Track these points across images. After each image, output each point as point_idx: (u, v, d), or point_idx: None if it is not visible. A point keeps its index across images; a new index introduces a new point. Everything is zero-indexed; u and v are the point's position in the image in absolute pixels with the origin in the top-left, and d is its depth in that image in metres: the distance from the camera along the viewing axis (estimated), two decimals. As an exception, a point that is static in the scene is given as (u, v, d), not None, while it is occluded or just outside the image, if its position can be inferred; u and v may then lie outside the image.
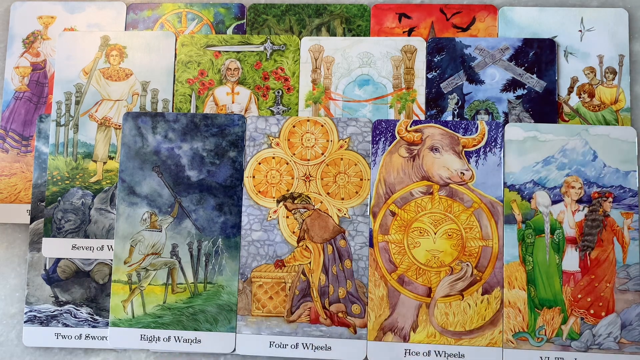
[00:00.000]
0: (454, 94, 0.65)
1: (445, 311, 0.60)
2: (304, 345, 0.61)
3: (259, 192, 0.63)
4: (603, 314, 0.60)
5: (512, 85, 0.64)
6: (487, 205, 0.61)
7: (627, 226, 0.61)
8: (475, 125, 0.63)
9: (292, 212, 0.63)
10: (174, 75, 0.66)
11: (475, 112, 0.64)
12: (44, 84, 0.68)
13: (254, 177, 0.63)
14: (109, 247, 0.63)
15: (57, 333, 0.62)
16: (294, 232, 0.62)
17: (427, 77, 0.65)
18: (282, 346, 0.61)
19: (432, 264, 0.61)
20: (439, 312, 0.60)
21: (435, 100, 0.64)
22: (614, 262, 0.60)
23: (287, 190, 0.63)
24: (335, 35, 0.66)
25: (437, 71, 0.65)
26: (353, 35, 0.66)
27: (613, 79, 0.64)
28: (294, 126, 0.64)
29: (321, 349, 0.60)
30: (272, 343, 0.61)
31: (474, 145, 0.62)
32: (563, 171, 0.62)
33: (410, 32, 0.66)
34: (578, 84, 0.64)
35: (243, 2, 0.68)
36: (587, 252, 0.61)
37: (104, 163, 0.65)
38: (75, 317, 0.63)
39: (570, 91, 0.64)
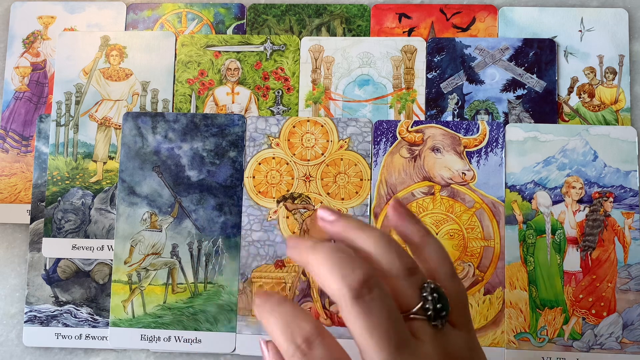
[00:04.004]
0: (454, 94, 0.65)
1: (446, 311, 0.60)
2: (305, 345, 0.60)
3: (259, 192, 0.63)
4: (605, 314, 0.59)
5: (512, 85, 0.64)
6: (488, 206, 0.61)
7: (628, 226, 0.60)
8: (477, 126, 0.63)
9: (292, 212, 0.63)
10: (174, 75, 0.66)
11: (475, 112, 0.64)
12: (44, 84, 0.68)
13: (254, 177, 0.63)
14: (109, 247, 0.63)
15: (57, 333, 0.62)
16: (294, 233, 0.62)
17: (427, 77, 0.65)
18: (282, 346, 0.60)
19: (433, 263, 0.61)
20: (440, 312, 0.60)
21: (435, 100, 0.64)
22: (615, 262, 0.60)
23: (287, 191, 0.63)
24: (335, 35, 0.66)
25: (437, 71, 0.65)
26: (353, 35, 0.66)
27: (613, 79, 0.64)
28: (294, 126, 0.64)
29: (322, 349, 0.60)
30: (272, 343, 0.60)
31: (475, 146, 0.62)
32: (564, 171, 0.62)
33: (410, 32, 0.66)
34: (578, 84, 0.64)
35: (243, 2, 0.68)
36: (588, 252, 0.60)
37: (104, 163, 0.65)
38: (76, 317, 0.62)
39: (570, 91, 0.64)
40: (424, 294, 0.36)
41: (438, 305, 0.35)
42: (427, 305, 0.35)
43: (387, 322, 0.33)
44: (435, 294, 0.36)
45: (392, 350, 0.32)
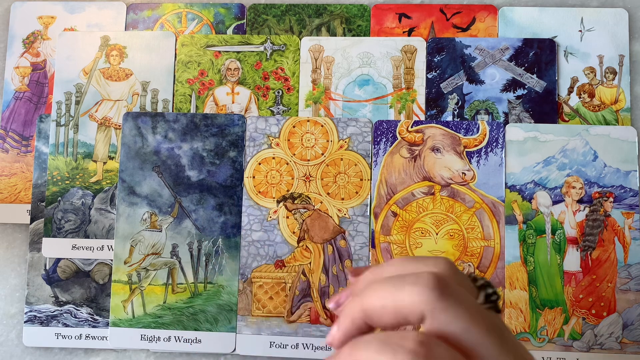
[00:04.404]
0: (454, 94, 0.65)
1: (446, 311, 0.60)
2: (304, 345, 0.60)
3: (259, 192, 0.63)
4: (605, 314, 0.59)
5: (512, 85, 0.64)
6: (488, 206, 0.61)
7: (628, 226, 0.60)
8: (477, 126, 0.63)
9: (292, 212, 0.63)
10: (174, 75, 0.66)
11: (476, 112, 0.64)
12: (44, 84, 0.68)
13: (254, 177, 0.63)
14: (109, 247, 0.63)
15: (57, 333, 0.62)
16: (294, 233, 0.62)
17: (427, 77, 0.65)
18: (282, 346, 0.60)
19: (434, 264, 0.60)
20: (440, 312, 0.60)
21: (435, 100, 0.64)
22: (615, 262, 0.60)
23: (287, 191, 0.63)
24: (335, 35, 0.66)
25: (437, 71, 0.65)
26: (353, 35, 0.66)
27: (613, 79, 0.64)
28: (294, 126, 0.64)
29: (321, 349, 0.60)
30: (272, 343, 0.60)
31: (475, 146, 0.62)
32: (564, 171, 0.62)
33: (410, 32, 0.66)
34: (578, 84, 0.64)
35: (243, 2, 0.68)
36: (588, 252, 0.60)
37: (104, 163, 0.65)
38: (75, 317, 0.62)
39: (570, 91, 0.64)
40: (477, 285, 0.34)
41: (495, 289, 0.33)
42: (489, 291, 0.33)
43: None
44: (482, 281, 0.34)
45: None
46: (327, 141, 0.63)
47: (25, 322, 0.63)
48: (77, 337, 0.62)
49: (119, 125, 0.65)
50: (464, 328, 0.30)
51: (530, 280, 0.60)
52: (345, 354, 0.30)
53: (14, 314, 0.64)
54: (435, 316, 0.30)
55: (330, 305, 0.36)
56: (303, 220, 0.62)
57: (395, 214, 0.62)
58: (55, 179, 0.65)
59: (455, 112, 0.64)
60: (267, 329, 0.61)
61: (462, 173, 0.62)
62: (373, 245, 0.61)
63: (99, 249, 0.63)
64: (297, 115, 0.65)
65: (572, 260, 0.60)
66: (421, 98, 0.65)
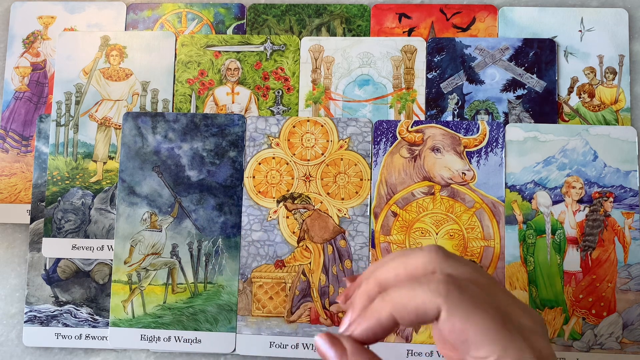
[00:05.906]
0: (454, 94, 0.65)
1: (446, 311, 0.60)
2: (304, 345, 0.60)
3: (259, 192, 0.63)
4: (605, 314, 0.59)
5: (512, 85, 0.64)
6: (488, 206, 0.61)
7: (628, 226, 0.60)
8: (477, 126, 0.63)
9: (292, 212, 0.63)
10: (174, 75, 0.66)
11: (475, 112, 0.64)
12: (44, 84, 0.68)
13: (254, 177, 0.63)
14: (109, 247, 0.63)
15: (57, 333, 0.62)
16: (294, 233, 0.62)
17: (427, 77, 0.65)
18: (282, 346, 0.60)
19: (433, 263, 0.60)
20: (440, 312, 0.60)
21: (435, 100, 0.64)
22: (615, 262, 0.60)
23: (287, 191, 0.63)
24: (335, 35, 0.66)
25: (437, 71, 0.65)
26: (353, 35, 0.66)
27: (613, 79, 0.64)
28: (294, 126, 0.64)
29: (322, 349, 0.60)
30: (272, 343, 0.60)
31: (475, 146, 0.62)
32: (564, 171, 0.62)
33: (410, 32, 0.66)
34: (578, 84, 0.64)
35: (243, 2, 0.68)
36: (588, 252, 0.60)
37: (104, 163, 0.65)
38: (75, 317, 0.63)
39: (570, 91, 0.64)
40: None
41: None
42: None
43: None
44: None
45: None
46: (327, 141, 0.63)
47: (25, 322, 0.63)
48: (77, 337, 0.62)
49: (119, 125, 0.65)
50: (469, 272, 0.36)
51: (530, 280, 0.60)
52: (377, 303, 0.35)
53: (14, 314, 0.64)
54: (445, 269, 0.35)
55: (339, 299, 0.40)
56: (303, 220, 0.62)
57: (395, 214, 0.62)
58: (55, 179, 0.65)
59: (455, 112, 0.64)
60: (267, 329, 0.61)
61: (462, 173, 0.62)
62: (373, 245, 0.61)
63: (99, 249, 0.63)
64: (297, 115, 0.65)
65: (572, 260, 0.60)
66: (421, 98, 0.65)
